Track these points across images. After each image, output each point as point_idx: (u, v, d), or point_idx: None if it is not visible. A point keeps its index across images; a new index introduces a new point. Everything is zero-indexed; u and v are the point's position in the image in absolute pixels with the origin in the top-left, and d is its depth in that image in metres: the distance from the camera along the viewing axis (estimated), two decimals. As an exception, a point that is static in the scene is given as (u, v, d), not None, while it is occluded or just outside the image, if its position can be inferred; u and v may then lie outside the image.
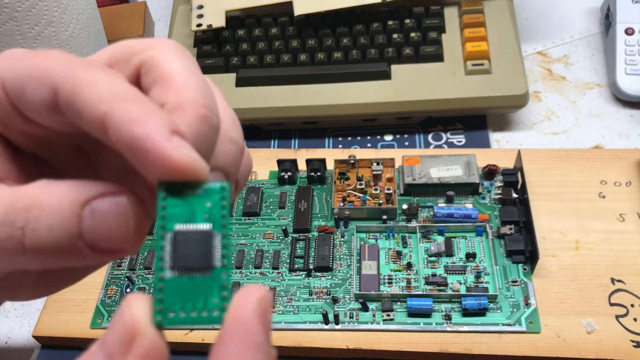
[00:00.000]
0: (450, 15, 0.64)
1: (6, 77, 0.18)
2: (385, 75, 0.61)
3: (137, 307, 0.16)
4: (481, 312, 0.46)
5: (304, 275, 0.50)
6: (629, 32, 0.63)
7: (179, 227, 0.16)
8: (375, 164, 0.54)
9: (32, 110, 0.18)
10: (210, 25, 0.64)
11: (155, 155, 0.16)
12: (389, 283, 0.49)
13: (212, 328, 0.48)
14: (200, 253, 0.16)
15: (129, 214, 0.17)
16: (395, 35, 0.62)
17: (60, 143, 0.20)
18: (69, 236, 0.17)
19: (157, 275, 0.16)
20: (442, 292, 0.47)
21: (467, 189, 0.53)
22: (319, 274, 0.50)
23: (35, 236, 0.17)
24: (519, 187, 0.53)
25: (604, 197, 0.53)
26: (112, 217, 0.17)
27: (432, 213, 0.52)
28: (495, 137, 0.62)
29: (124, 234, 0.17)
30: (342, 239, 0.52)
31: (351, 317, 0.47)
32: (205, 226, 0.16)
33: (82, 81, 0.17)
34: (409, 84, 0.60)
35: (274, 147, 0.64)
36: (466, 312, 0.46)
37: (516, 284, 0.48)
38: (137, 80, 0.19)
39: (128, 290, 0.50)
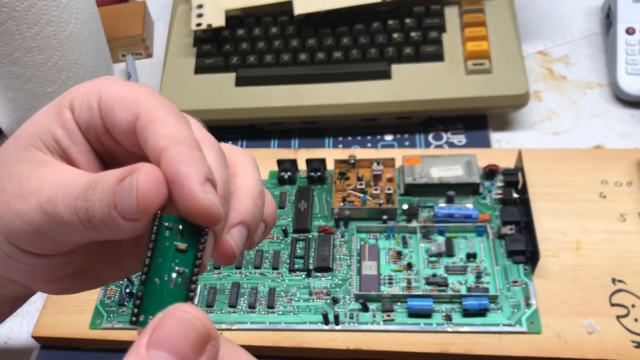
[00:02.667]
0: (451, 14, 0.64)
1: (103, 94, 0.23)
2: (386, 75, 0.61)
3: (201, 314, 0.19)
4: (482, 312, 0.46)
5: (304, 276, 0.50)
6: (630, 31, 0.63)
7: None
8: (375, 164, 0.54)
9: (114, 126, 0.23)
10: (210, 25, 0.64)
11: (187, 192, 0.21)
12: (389, 283, 0.48)
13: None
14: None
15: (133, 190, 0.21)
16: (395, 35, 0.62)
17: (124, 155, 0.25)
18: (109, 207, 0.21)
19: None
20: (443, 293, 0.47)
21: (467, 189, 0.53)
22: (319, 274, 0.50)
23: (93, 207, 0.21)
24: (519, 187, 0.53)
25: (604, 197, 0.52)
26: (128, 191, 0.21)
27: (432, 213, 0.52)
28: (495, 137, 0.61)
29: (132, 206, 0.21)
30: (342, 239, 0.52)
31: (351, 318, 0.47)
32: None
33: (157, 118, 0.22)
34: (409, 84, 0.60)
35: (274, 147, 0.64)
36: (467, 313, 0.46)
37: (517, 284, 0.48)
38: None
39: (127, 290, 0.50)
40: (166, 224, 0.21)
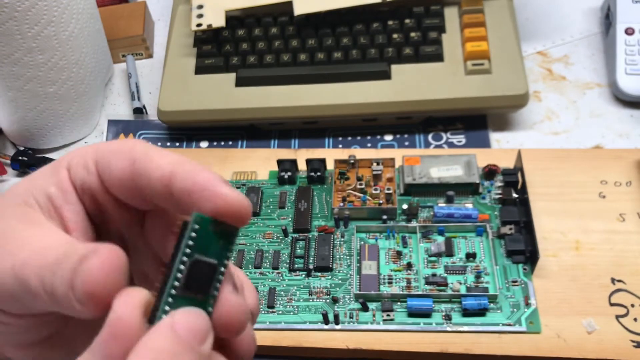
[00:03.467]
0: (451, 15, 0.64)
1: (98, 151, 0.23)
2: (385, 75, 0.61)
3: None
4: (481, 312, 0.46)
5: (304, 275, 0.50)
6: (629, 32, 0.63)
7: (197, 256, 0.20)
8: (375, 164, 0.54)
9: (112, 177, 0.23)
10: (210, 25, 0.64)
11: (214, 192, 0.20)
12: (389, 283, 0.48)
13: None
14: (205, 281, 0.20)
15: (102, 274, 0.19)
16: (395, 35, 0.62)
17: (124, 218, 0.25)
18: (68, 287, 0.20)
19: (170, 283, 0.20)
20: (442, 292, 0.47)
21: (467, 189, 0.53)
22: (319, 274, 0.50)
23: (57, 283, 0.20)
24: (519, 187, 0.53)
25: (604, 197, 0.52)
26: (82, 274, 0.19)
27: (432, 213, 0.52)
28: (495, 137, 0.62)
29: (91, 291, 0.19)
30: (342, 239, 0.52)
31: (351, 317, 0.47)
32: (213, 260, 0.20)
33: (154, 153, 0.22)
34: (409, 84, 0.60)
35: (274, 147, 0.64)
36: (466, 312, 0.46)
37: (516, 284, 0.48)
38: None
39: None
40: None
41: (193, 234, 0.20)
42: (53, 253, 0.21)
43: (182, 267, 0.20)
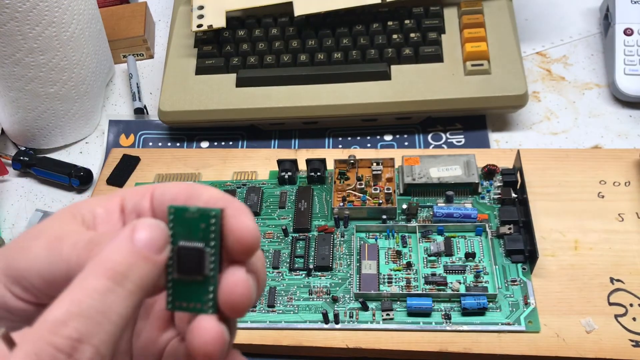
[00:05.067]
0: (450, 15, 0.64)
1: (155, 186, 0.25)
2: (385, 76, 0.61)
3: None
4: (480, 311, 0.46)
5: (304, 275, 0.50)
6: (628, 32, 0.63)
7: (181, 243, 0.21)
8: (375, 164, 0.55)
9: (165, 200, 0.24)
10: (210, 26, 0.64)
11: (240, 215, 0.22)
12: (389, 282, 0.49)
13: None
14: (196, 263, 0.21)
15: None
16: (395, 36, 0.63)
17: None
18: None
19: (169, 275, 0.22)
20: (442, 292, 0.47)
21: (466, 189, 0.53)
22: (319, 273, 0.50)
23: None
24: (518, 187, 0.53)
25: (603, 197, 0.53)
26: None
27: (431, 213, 0.52)
28: (494, 137, 0.62)
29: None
30: (342, 239, 0.52)
31: (351, 317, 0.47)
32: (198, 244, 0.21)
33: (201, 187, 0.24)
34: (408, 84, 0.60)
35: (274, 147, 0.64)
36: (465, 312, 0.46)
37: (515, 283, 0.48)
38: None
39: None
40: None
41: (171, 225, 0.22)
42: (84, 236, 0.23)
43: (172, 254, 0.22)
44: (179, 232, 0.21)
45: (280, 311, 0.48)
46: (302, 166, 0.57)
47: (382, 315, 0.47)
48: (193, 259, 0.21)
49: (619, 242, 0.50)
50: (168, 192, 0.24)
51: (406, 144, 0.62)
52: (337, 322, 0.47)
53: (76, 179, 0.62)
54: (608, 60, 0.65)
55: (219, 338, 0.21)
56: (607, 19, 0.67)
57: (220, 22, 0.64)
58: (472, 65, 0.60)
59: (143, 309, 0.26)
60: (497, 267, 0.49)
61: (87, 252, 0.21)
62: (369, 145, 0.63)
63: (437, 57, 0.61)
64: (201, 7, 0.65)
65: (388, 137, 0.63)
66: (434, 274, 0.49)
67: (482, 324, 0.46)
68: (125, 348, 0.26)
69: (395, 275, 0.49)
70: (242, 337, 0.47)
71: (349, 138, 0.64)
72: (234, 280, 0.22)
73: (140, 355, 0.26)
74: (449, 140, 0.62)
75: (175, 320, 0.26)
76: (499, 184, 0.54)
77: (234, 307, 0.22)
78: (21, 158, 0.64)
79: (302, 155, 0.58)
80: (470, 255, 0.49)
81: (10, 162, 0.65)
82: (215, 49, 0.65)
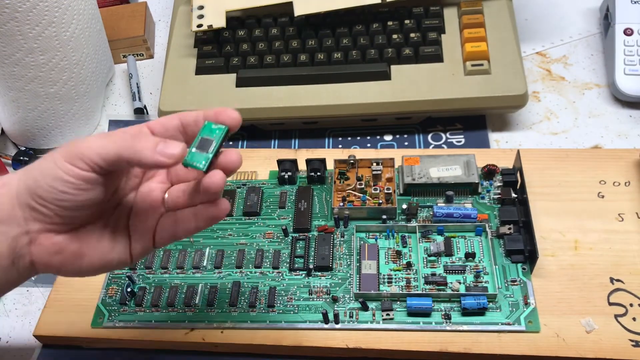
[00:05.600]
0: (450, 15, 0.64)
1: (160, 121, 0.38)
2: (385, 76, 0.61)
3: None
4: (480, 311, 0.46)
5: (304, 275, 0.50)
6: (628, 32, 0.63)
7: (203, 135, 0.36)
8: (375, 164, 0.55)
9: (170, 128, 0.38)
10: (210, 26, 0.64)
11: (229, 111, 0.37)
12: (389, 282, 0.49)
13: (212, 327, 0.48)
14: (206, 146, 0.35)
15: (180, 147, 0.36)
16: (395, 36, 0.63)
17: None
18: (149, 148, 0.35)
19: (193, 145, 0.36)
20: (442, 292, 0.47)
21: (466, 189, 0.53)
22: (319, 273, 0.50)
23: (138, 146, 0.35)
24: (518, 187, 0.53)
25: (603, 197, 0.53)
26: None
27: (431, 213, 0.52)
28: (494, 137, 0.62)
29: (175, 151, 0.35)
30: (342, 239, 0.52)
31: (351, 317, 0.47)
32: (211, 137, 0.36)
33: (185, 113, 0.38)
34: (408, 84, 0.60)
35: (274, 147, 0.64)
36: (465, 312, 0.46)
37: (515, 283, 0.48)
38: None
39: (129, 289, 0.50)
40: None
41: (203, 129, 0.36)
42: (121, 132, 0.36)
43: (195, 141, 0.36)
44: (204, 131, 0.36)
45: (280, 311, 0.48)
46: (302, 166, 0.57)
47: (382, 315, 0.47)
48: (206, 143, 0.36)
49: (619, 242, 0.50)
50: (171, 123, 0.38)
51: (406, 144, 0.62)
52: (337, 322, 0.47)
53: (76, 179, 0.62)
54: (608, 60, 0.65)
55: (223, 178, 0.35)
56: (607, 19, 0.67)
57: (220, 22, 0.64)
58: (472, 65, 0.60)
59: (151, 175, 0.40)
60: (497, 267, 0.49)
61: (132, 138, 0.34)
62: (369, 145, 0.63)
63: (437, 57, 0.61)
64: (201, 7, 0.65)
65: (388, 137, 0.63)
66: (434, 274, 0.49)
67: (482, 324, 0.46)
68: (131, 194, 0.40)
69: (395, 275, 0.49)
70: (242, 337, 0.47)
71: (349, 138, 0.64)
72: (230, 155, 0.36)
73: (143, 201, 0.39)
74: (449, 140, 0.62)
75: (171, 176, 0.40)
76: (499, 184, 0.54)
77: (226, 167, 0.36)
78: (21, 158, 0.64)
79: (302, 155, 0.58)
80: (470, 255, 0.49)
81: (10, 162, 0.65)
82: (215, 49, 0.65)
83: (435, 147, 0.62)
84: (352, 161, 0.55)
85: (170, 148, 0.34)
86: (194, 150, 0.35)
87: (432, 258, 0.50)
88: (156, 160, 0.34)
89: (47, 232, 0.36)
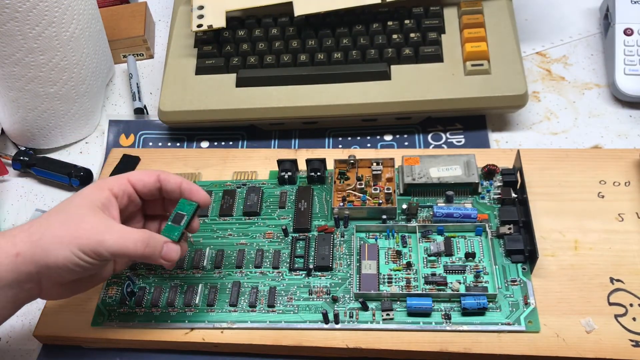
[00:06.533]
0: (450, 15, 0.64)
1: (132, 178, 0.46)
2: (385, 76, 0.61)
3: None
4: (480, 311, 0.46)
5: (304, 275, 0.50)
6: (628, 32, 0.63)
7: (177, 212, 0.45)
8: (375, 164, 0.55)
9: (143, 188, 0.46)
10: (210, 26, 0.64)
11: (199, 192, 0.47)
12: (389, 282, 0.49)
13: (212, 327, 0.48)
14: (179, 220, 0.45)
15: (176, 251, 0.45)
16: (395, 36, 0.63)
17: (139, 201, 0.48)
18: (158, 254, 0.44)
19: (169, 220, 0.45)
20: (442, 292, 0.47)
21: (466, 189, 0.53)
22: (319, 273, 0.50)
23: (149, 251, 0.43)
24: (518, 187, 0.53)
25: (603, 197, 0.53)
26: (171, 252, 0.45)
27: (431, 213, 0.52)
28: (494, 137, 0.62)
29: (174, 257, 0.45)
30: (342, 239, 0.52)
31: (351, 317, 0.47)
32: (183, 213, 0.45)
33: (168, 175, 0.47)
34: (408, 84, 0.60)
35: (274, 147, 0.64)
36: (465, 312, 0.46)
37: (515, 283, 0.48)
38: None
39: (129, 289, 0.50)
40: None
41: (178, 205, 0.46)
42: (140, 236, 0.42)
43: (172, 215, 0.45)
44: (178, 207, 0.46)
45: (280, 311, 0.48)
46: (302, 166, 0.57)
47: (382, 315, 0.47)
48: (179, 217, 0.45)
49: (619, 242, 0.50)
50: (146, 182, 0.46)
51: (406, 144, 0.62)
52: (337, 322, 0.47)
53: (76, 179, 0.62)
54: (608, 61, 0.65)
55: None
56: (607, 19, 0.67)
57: (220, 22, 0.64)
58: (472, 65, 0.60)
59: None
60: (497, 267, 0.49)
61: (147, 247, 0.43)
62: (369, 145, 0.63)
63: (437, 57, 0.61)
64: (201, 7, 0.65)
65: (388, 137, 0.63)
66: (434, 274, 0.49)
67: (482, 324, 0.46)
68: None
69: (395, 275, 0.49)
70: (242, 337, 0.47)
71: (349, 138, 0.64)
72: (193, 223, 0.47)
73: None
74: (449, 140, 0.62)
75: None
76: (499, 184, 0.54)
77: (191, 229, 0.47)
78: (21, 158, 0.64)
79: (302, 155, 0.58)
80: (470, 255, 0.49)
81: (10, 162, 0.65)
82: (215, 49, 0.65)
83: (435, 147, 0.62)
84: (352, 161, 0.55)
85: (171, 254, 0.44)
86: (170, 223, 0.45)
87: (432, 258, 0.50)
88: (159, 263, 0.44)
89: (53, 286, 0.43)
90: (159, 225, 0.49)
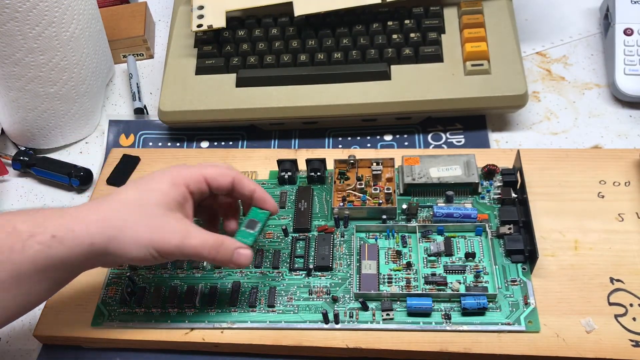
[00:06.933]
0: (450, 15, 0.64)
1: (208, 175, 0.45)
2: (385, 76, 0.61)
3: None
4: (480, 311, 0.46)
5: (304, 275, 0.50)
6: (628, 32, 0.63)
7: (250, 218, 0.48)
8: (375, 164, 0.55)
9: (217, 188, 0.46)
10: (210, 26, 0.64)
11: (270, 202, 0.48)
12: (389, 282, 0.49)
13: (212, 327, 0.48)
14: (253, 226, 0.47)
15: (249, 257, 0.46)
16: (395, 36, 0.63)
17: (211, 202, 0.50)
18: (228, 258, 0.44)
19: (241, 225, 0.48)
20: (442, 292, 0.47)
21: (466, 189, 0.53)
22: (319, 273, 0.50)
23: (220, 255, 0.44)
24: (518, 187, 0.53)
25: (603, 197, 0.53)
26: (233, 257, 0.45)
27: (431, 213, 0.52)
28: (494, 137, 0.62)
29: (245, 262, 0.45)
30: (342, 239, 0.52)
31: (351, 317, 0.47)
32: (257, 220, 0.48)
33: (243, 178, 0.47)
34: (408, 84, 0.60)
35: (274, 147, 0.64)
36: (465, 312, 0.46)
37: (515, 283, 0.48)
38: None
39: (129, 289, 0.50)
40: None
41: (251, 212, 0.48)
42: (215, 242, 0.43)
43: (245, 221, 0.47)
44: (251, 215, 0.48)
45: (280, 311, 0.48)
46: (302, 166, 0.57)
47: (382, 315, 0.47)
48: (253, 223, 0.47)
49: (619, 242, 0.50)
50: (221, 183, 0.46)
51: (406, 144, 0.62)
52: (337, 322, 0.47)
53: (76, 179, 0.62)
54: (608, 61, 0.65)
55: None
56: (607, 19, 0.67)
57: (220, 22, 0.64)
58: (472, 65, 0.60)
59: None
60: (497, 267, 0.49)
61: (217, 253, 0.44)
62: (369, 145, 0.63)
63: (437, 57, 0.61)
64: (201, 7, 0.65)
65: (388, 137, 0.63)
66: (434, 274, 0.49)
67: (482, 324, 0.46)
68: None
69: (395, 275, 0.49)
70: (242, 337, 0.47)
71: (349, 138, 0.64)
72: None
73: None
74: (449, 140, 0.62)
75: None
76: (499, 184, 0.54)
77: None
78: (21, 158, 0.64)
79: (302, 155, 0.58)
80: (470, 255, 0.49)
81: (10, 162, 0.65)
82: (215, 49, 0.65)
83: (435, 147, 0.62)
84: (352, 161, 0.55)
85: (241, 259, 0.45)
86: (243, 228, 0.47)
87: (432, 258, 0.50)
88: (230, 267, 0.48)
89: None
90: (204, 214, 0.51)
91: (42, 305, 0.52)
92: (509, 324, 0.46)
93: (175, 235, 0.42)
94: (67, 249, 0.39)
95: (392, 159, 0.55)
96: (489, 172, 0.54)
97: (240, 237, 0.46)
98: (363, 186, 0.54)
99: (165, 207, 0.42)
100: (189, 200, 0.44)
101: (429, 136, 0.63)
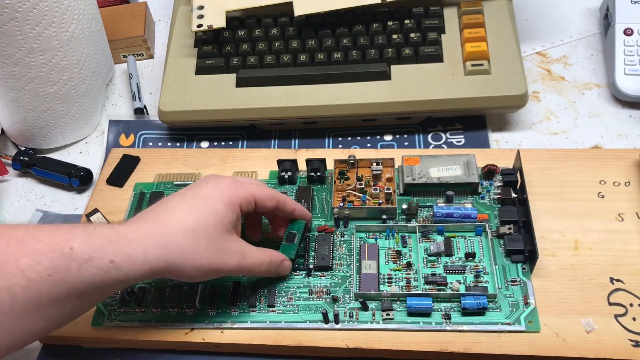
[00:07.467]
0: (450, 15, 0.64)
1: (257, 197, 0.47)
2: (385, 76, 0.61)
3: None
4: (480, 311, 0.46)
5: (304, 275, 0.50)
6: (628, 32, 0.63)
7: (289, 230, 0.51)
8: (375, 164, 0.55)
9: (262, 208, 0.48)
10: (210, 26, 0.64)
11: (309, 216, 0.52)
12: (389, 282, 0.49)
13: (212, 327, 0.48)
14: (292, 238, 0.51)
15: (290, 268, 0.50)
16: (395, 36, 0.63)
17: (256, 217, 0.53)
18: (275, 270, 0.49)
19: (283, 239, 0.51)
20: (442, 292, 0.47)
21: (466, 189, 0.53)
22: (319, 273, 0.50)
23: (268, 272, 0.48)
24: (518, 187, 0.53)
25: (603, 197, 0.53)
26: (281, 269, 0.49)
27: (431, 213, 0.52)
28: (494, 137, 0.62)
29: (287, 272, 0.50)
30: (342, 239, 0.52)
31: (351, 317, 0.47)
32: (295, 232, 0.51)
33: (286, 200, 0.49)
34: (408, 84, 0.60)
35: (274, 147, 0.64)
36: (465, 312, 0.46)
37: (515, 283, 0.48)
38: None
39: (129, 289, 0.50)
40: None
41: (290, 225, 0.51)
42: (265, 258, 0.47)
43: (285, 234, 0.51)
44: (291, 227, 0.51)
45: (280, 311, 0.48)
46: (302, 166, 0.57)
47: (382, 315, 0.47)
48: (292, 236, 0.50)
49: (619, 242, 0.50)
50: (267, 204, 0.48)
51: (406, 144, 0.62)
52: (337, 322, 0.47)
53: (76, 179, 0.62)
54: (608, 61, 0.65)
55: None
56: (607, 19, 0.67)
57: (220, 22, 0.64)
58: (472, 65, 0.60)
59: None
60: (497, 267, 0.49)
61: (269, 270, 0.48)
62: (369, 145, 0.63)
63: (437, 57, 0.61)
64: (201, 7, 0.65)
65: (388, 137, 0.63)
66: (434, 274, 0.49)
67: (482, 324, 0.46)
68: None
69: (395, 275, 0.49)
70: (242, 337, 0.47)
71: (349, 138, 0.64)
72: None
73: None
74: (449, 140, 0.62)
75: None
76: (499, 184, 0.54)
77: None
78: (21, 158, 0.64)
79: (302, 155, 0.58)
80: (470, 255, 0.49)
81: (10, 162, 0.65)
82: (215, 49, 0.65)
83: (435, 147, 0.62)
84: (352, 161, 0.55)
85: (285, 271, 0.49)
86: (284, 242, 0.50)
87: (432, 258, 0.50)
88: (273, 276, 0.49)
89: None
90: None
91: (42, 305, 0.52)
92: (509, 324, 0.46)
93: (233, 258, 0.44)
94: (124, 273, 0.40)
95: (392, 159, 0.55)
96: (489, 172, 0.54)
97: (283, 251, 0.50)
98: (363, 186, 0.54)
99: (223, 230, 0.44)
100: (239, 219, 0.46)
101: (429, 136, 0.63)
